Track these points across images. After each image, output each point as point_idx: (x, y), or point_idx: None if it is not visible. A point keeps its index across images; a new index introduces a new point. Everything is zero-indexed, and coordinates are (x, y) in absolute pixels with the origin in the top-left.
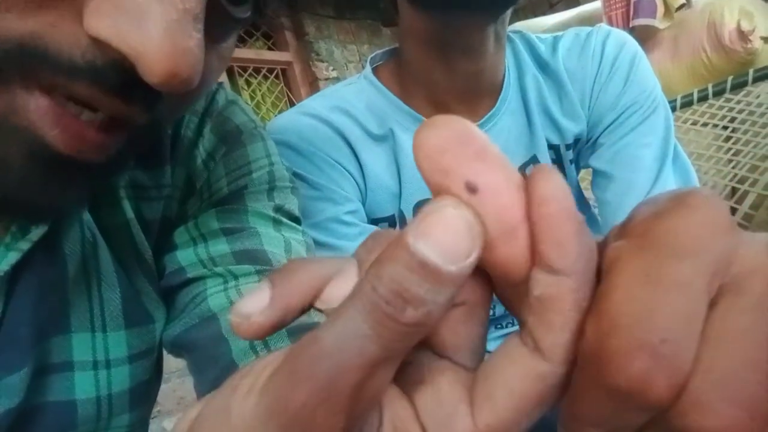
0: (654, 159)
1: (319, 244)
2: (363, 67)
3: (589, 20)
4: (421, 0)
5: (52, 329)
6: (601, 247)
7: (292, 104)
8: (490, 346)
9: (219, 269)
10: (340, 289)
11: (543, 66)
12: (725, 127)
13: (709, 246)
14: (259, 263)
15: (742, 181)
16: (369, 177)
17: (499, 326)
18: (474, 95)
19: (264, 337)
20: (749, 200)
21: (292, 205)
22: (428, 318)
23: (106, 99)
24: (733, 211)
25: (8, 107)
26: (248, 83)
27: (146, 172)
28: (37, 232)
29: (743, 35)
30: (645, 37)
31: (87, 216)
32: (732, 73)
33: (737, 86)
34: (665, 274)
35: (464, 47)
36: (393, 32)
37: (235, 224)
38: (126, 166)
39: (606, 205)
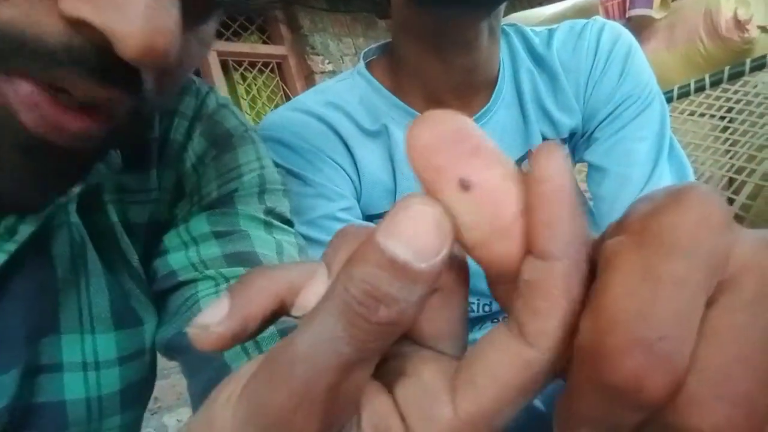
0: (649, 153)
1: (313, 241)
2: (359, 60)
3: (586, 11)
4: None
5: (42, 330)
6: (598, 244)
7: (288, 98)
8: None
9: (210, 272)
10: (313, 294)
11: (538, 60)
12: (722, 118)
13: (705, 243)
14: (251, 266)
15: (739, 171)
16: (363, 173)
17: (495, 321)
18: (468, 89)
19: (226, 348)
20: (746, 190)
21: (284, 207)
22: (401, 317)
23: (85, 83)
24: (731, 201)
25: None
26: (244, 77)
27: (132, 176)
28: (23, 233)
29: (740, 24)
30: (641, 26)
31: (75, 218)
32: (728, 63)
33: (734, 76)
34: (663, 271)
35: (458, 41)
36: (388, 24)
37: (226, 227)
38: (108, 156)
39: (601, 199)
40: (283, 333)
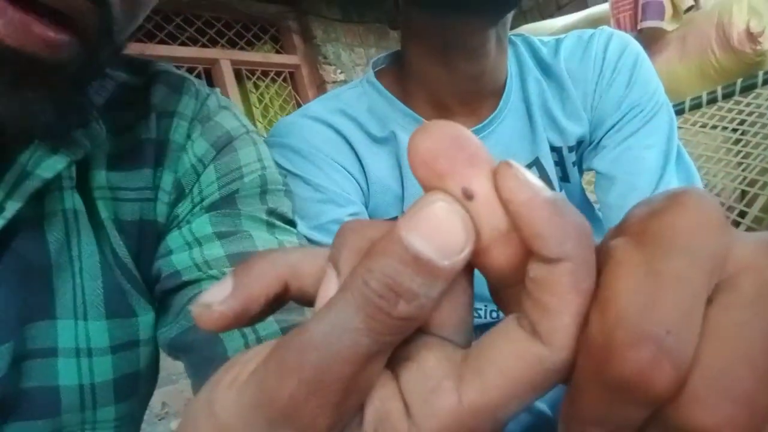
0: (657, 161)
1: (321, 246)
2: (368, 69)
3: (598, 22)
4: (422, 3)
5: (35, 313)
6: (599, 248)
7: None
8: None
9: (214, 272)
10: (325, 297)
11: (545, 68)
12: (735, 130)
13: (704, 242)
14: None
15: (751, 183)
16: (372, 179)
17: None
18: (476, 98)
19: (228, 328)
20: (759, 203)
21: (285, 207)
22: (420, 311)
23: None
24: (743, 214)
25: None
26: (256, 86)
27: (122, 174)
28: (10, 209)
29: (752, 36)
30: (653, 38)
31: (70, 205)
32: (741, 75)
33: (747, 88)
34: (664, 269)
35: (465, 50)
36: (400, 35)
37: (228, 228)
38: (91, 129)
39: (609, 207)
40: (286, 331)
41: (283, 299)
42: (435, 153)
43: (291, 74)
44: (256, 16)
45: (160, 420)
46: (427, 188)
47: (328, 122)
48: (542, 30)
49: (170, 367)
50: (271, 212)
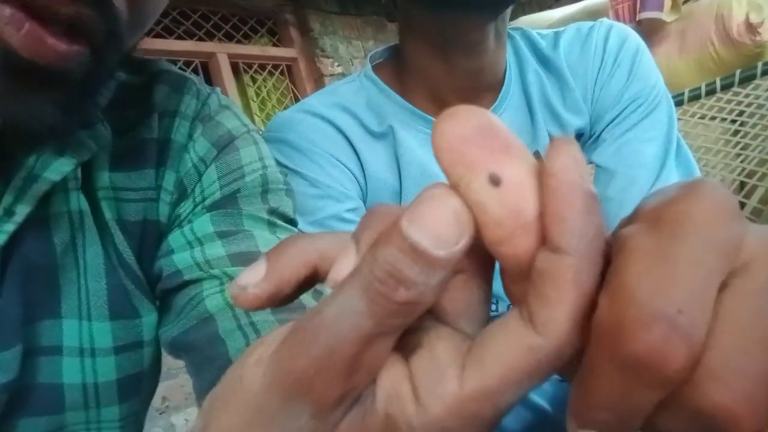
0: (657, 154)
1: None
2: (366, 63)
3: (596, 14)
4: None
5: (41, 312)
6: (611, 238)
7: (297, 101)
8: None
9: (215, 271)
10: (343, 269)
11: (544, 61)
12: (733, 121)
13: (718, 229)
14: None
15: (750, 175)
16: (369, 174)
17: None
18: (474, 92)
19: (261, 307)
20: (758, 195)
21: (287, 207)
22: (420, 298)
23: (60, 2)
24: (742, 205)
25: None
26: (253, 80)
27: (125, 174)
28: (21, 213)
29: (752, 28)
30: (652, 30)
31: (75, 206)
32: (740, 67)
33: (745, 80)
34: (678, 252)
35: (464, 44)
36: (398, 28)
37: (229, 227)
38: (96, 130)
39: (609, 200)
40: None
41: (312, 281)
42: (465, 139)
43: (288, 67)
44: (252, 10)
45: (160, 414)
46: (450, 174)
47: (326, 117)
48: (540, 21)
49: (170, 361)
50: (273, 212)
